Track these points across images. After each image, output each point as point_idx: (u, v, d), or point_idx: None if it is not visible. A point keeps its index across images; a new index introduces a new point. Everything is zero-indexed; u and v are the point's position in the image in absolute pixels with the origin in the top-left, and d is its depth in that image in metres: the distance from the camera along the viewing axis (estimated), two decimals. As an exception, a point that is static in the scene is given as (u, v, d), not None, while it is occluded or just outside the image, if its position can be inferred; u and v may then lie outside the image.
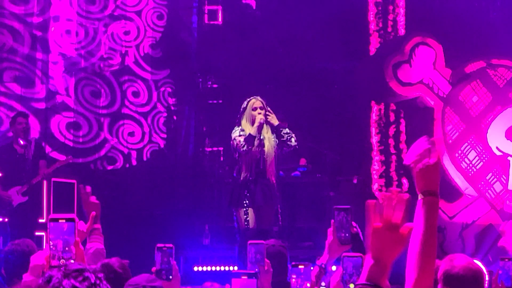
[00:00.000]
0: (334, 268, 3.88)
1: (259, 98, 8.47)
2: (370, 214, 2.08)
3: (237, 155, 8.39)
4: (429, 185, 2.23)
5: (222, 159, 10.84)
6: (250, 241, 4.56)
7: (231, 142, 8.37)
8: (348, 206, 3.70)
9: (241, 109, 8.44)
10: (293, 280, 3.93)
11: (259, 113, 8.38)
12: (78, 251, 2.74)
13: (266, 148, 8.40)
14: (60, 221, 2.71)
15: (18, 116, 9.57)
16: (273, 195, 8.46)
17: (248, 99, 8.45)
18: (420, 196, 2.24)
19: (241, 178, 8.29)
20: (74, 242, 2.73)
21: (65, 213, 2.91)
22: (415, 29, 11.43)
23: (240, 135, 8.33)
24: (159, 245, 4.05)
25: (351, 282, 3.35)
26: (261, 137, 8.36)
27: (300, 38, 11.33)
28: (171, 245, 4.10)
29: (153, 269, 3.96)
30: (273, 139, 8.40)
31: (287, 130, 8.43)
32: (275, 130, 8.40)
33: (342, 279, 3.40)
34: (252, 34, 11.56)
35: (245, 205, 8.27)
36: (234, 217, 8.52)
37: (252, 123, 8.39)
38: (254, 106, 8.41)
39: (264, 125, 8.41)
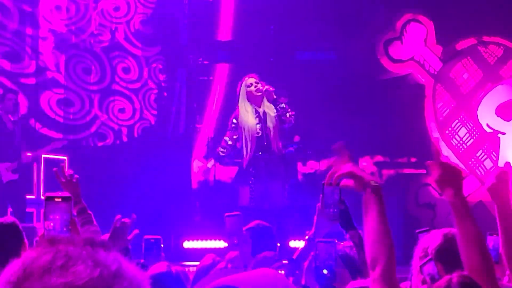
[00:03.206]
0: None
1: (250, 75, 8.43)
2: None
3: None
4: None
5: (213, 135, 10.80)
6: (226, 214, 4.59)
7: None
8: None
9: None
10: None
11: (255, 86, 8.33)
12: (74, 231, 2.70)
13: (268, 122, 8.34)
14: (56, 199, 2.67)
15: (7, 93, 9.63)
16: (280, 171, 8.40)
17: (241, 81, 8.46)
18: None
19: (246, 156, 8.26)
20: (71, 221, 2.69)
21: (55, 190, 2.88)
22: (407, 6, 11.39)
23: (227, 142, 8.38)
24: (146, 236, 4.01)
25: (324, 268, 3.32)
26: (261, 112, 8.33)
27: (293, 15, 11.26)
28: (159, 237, 4.07)
29: (142, 260, 3.94)
30: (272, 113, 8.34)
31: (283, 105, 8.36)
32: (273, 103, 8.36)
33: (314, 264, 3.36)
34: (243, 10, 11.49)
35: (250, 182, 8.23)
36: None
37: (249, 100, 8.34)
38: (248, 83, 8.36)
39: (264, 98, 8.36)
